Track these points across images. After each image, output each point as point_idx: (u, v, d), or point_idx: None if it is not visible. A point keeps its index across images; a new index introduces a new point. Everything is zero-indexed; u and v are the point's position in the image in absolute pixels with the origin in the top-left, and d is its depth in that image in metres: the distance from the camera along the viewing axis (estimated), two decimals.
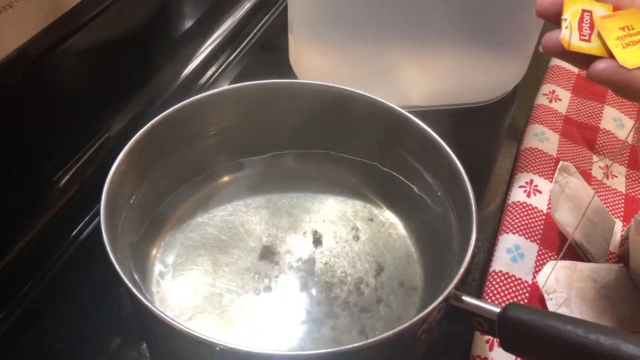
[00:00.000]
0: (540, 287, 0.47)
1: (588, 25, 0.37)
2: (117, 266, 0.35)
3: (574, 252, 0.50)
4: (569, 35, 0.36)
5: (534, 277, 0.49)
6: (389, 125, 0.47)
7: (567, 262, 0.48)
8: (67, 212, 0.50)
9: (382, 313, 0.42)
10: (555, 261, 0.47)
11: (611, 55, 0.35)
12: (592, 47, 0.36)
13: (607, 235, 0.52)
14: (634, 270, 0.48)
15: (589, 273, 0.48)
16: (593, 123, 0.65)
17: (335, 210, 0.48)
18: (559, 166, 0.51)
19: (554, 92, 0.67)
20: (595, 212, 0.52)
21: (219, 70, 0.68)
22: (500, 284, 0.49)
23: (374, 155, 0.50)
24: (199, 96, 0.46)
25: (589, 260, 0.49)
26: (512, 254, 0.50)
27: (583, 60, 0.37)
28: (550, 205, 0.54)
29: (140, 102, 0.59)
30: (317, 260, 0.45)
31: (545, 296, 0.47)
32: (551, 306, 0.46)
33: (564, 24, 0.37)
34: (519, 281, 0.49)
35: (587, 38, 0.36)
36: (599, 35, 0.36)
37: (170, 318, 0.33)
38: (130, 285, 0.34)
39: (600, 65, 0.35)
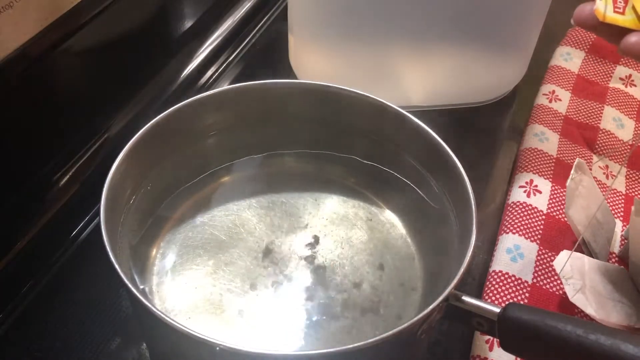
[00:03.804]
0: (558, 271, 0.47)
1: None
2: (117, 266, 0.35)
3: (580, 250, 0.50)
4: (603, 7, 0.37)
5: (534, 277, 0.49)
6: (389, 125, 0.47)
7: (578, 254, 0.48)
8: (67, 212, 0.50)
9: (382, 313, 0.42)
10: (569, 251, 0.47)
11: None
12: (626, 19, 0.36)
13: (609, 235, 0.52)
14: (634, 263, 0.48)
15: (598, 267, 0.48)
16: (593, 123, 0.65)
17: (335, 210, 0.48)
18: (575, 163, 0.51)
19: (554, 92, 0.67)
20: (602, 211, 0.52)
21: (219, 70, 0.68)
22: (500, 284, 0.49)
23: (374, 155, 0.50)
24: (199, 96, 0.46)
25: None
26: (512, 254, 0.50)
27: (614, 33, 0.37)
28: (550, 205, 0.54)
29: (140, 102, 0.59)
30: (317, 260, 0.45)
31: (563, 281, 0.46)
32: (569, 291, 0.46)
33: None
34: (519, 281, 0.49)
35: (621, 11, 0.37)
36: (634, 9, 0.36)
37: (170, 318, 0.33)
38: (130, 285, 0.34)
39: (633, 39, 0.36)
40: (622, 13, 0.36)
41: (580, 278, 0.46)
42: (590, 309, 0.45)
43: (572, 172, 0.50)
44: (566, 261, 0.46)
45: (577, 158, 0.52)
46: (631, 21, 0.36)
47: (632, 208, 0.47)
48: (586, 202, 0.51)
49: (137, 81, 0.60)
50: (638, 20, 0.36)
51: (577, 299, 0.45)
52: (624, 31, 0.36)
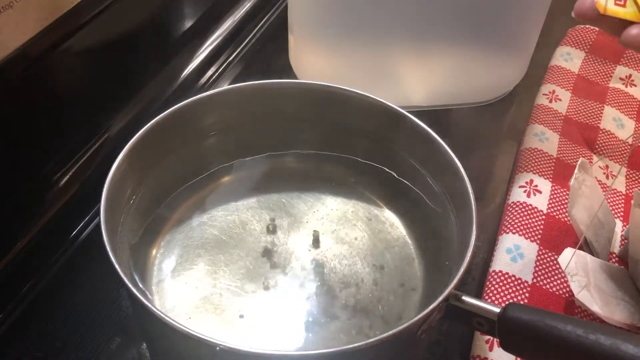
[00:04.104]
0: (563, 268, 0.47)
1: None
2: (117, 266, 0.35)
3: (582, 250, 0.50)
4: (604, 0, 0.37)
5: (534, 277, 0.49)
6: (389, 125, 0.47)
7: (581, 252, 0.48)
8: (67, 212, 0.50)
9: (382, 313, 0.42)
10: (573, 249, 0.47)
11: None
12: (627, 12, 0.36)
13: (610, 235, 0.52)
14: (634, 260, 0.48)
15: (600, 266, 0.48)
16: (593, 123, 0.65)
17: (335, 210, 0.48)
18: (578, 163, 0.51)
19: (554, 92, 0.67)
20: (603, 212, 0.52)
21: (219, 70, 0.68)
22: (500, 284, 0.49)
23: (373, 155, 0.50)
24: (199, 96, 0.46)
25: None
26: (512, 254, 0.50)
27: (615, 26, 0.37)
28: (550, 205, 0.54)
29: (140, 102, 0.59)
30: (317, 260, 0.45)
31: (568, 277, 0.46)
32: (575, 287, 0.45)
33: None
34: (519, 281, 0.49)
35: (622, 3, 0.37)
36: (634, 1, 0.36)
37: (170, 318, 0.33)
38: (130, 285, 0.34)
39: (634, 31, 0.36)
40: (623, 5, 0.36)
41: (585, 275, 0.46)
42: (595, 307, 0.45)
43: (575, 171, 0.50)
44: (571, 258, 0.46)
45: (581, 158, 0.52)
46: (632, 13, 0.36)
47: (632, 201, 0.47)
48: (589, 202, 0.51)
49: (137, 81, 0.60)
50: (639, 12, 0.36)
51: (583, 295, 0.45)
52: (625, 23, 0.36)
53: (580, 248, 0.49)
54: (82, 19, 0.50)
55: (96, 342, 0.45)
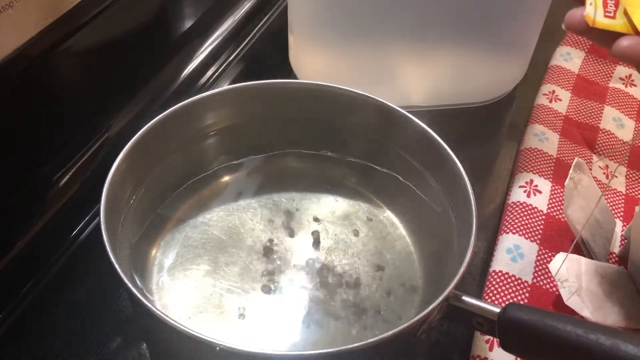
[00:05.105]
0: (553, 274, 0.47)
1: (613, 1, 0.36)
2: (117, 266, 0.35)
3: (579, 250, 0.50)
4: (593, 12, 0.36)
5: (534, 277, 0.49)
6: (389, 126, 0.47)
7: (575, 256, 0.48)
8: (67, 212, 0.50)
9: (382, 313, 0.42)
10: (565, 253, 0.47)
11: (637, 32, 0.35)
12: (617, 24, 0.36)
13: (609, 235, 0.52)
14: (634, 262, 0.48)
15: (595, 269, 0.48)
16: (593, 123, 0.65)
17: (335, 210, 0.48)
18: (574, 162, 0.51)
19: (554, 92, 0.67)
20: (601, 211, 0.52)
21: (219, 70, 0.68)
22: (500, 284, 0.49)
23: (373, 155, 0.50)
24: (199, 96, 0.46)
25: (593, 259, 0.50)
26: (512, 254, 0.50)
27: (606, 37, 0.36)
28: (550, 205, 0.54)
29: (140, 102, 0.59)
30: (317, 261, 0.45)
31: (559, 284, 0.46)
32: (565, 294, 0.46)
33: (588, 1, 0.37)
34: (519, 281, 0.49)
35: (612, 15, 0.36)
36: (625, 12, 0.36)
37: (170, 318, 0.33)
38: (130, 285, 0.34)
39: (624, 43, 0.35)
40: (613, 17, 0.36)
41: (576, 280, 0.46)
42: (586, 312, 0.45)
43: (570, 171, 0.50)
44: (561, 264, 0.46)
45: (576, 157, 0.52)
46: (622, 25, 0.36)
47: (636, 208, 0.47)
48: (585, 202, 0.51)
49: (137, 81, 0.60)
50: (629, 23, 0.36)
51: (573, 301, 0.45)
52: (616, 35, 0.36)
53: (577, 248, 0.49)
54: (82, 19, 0.50)
55: (96, 342, 0.45)
